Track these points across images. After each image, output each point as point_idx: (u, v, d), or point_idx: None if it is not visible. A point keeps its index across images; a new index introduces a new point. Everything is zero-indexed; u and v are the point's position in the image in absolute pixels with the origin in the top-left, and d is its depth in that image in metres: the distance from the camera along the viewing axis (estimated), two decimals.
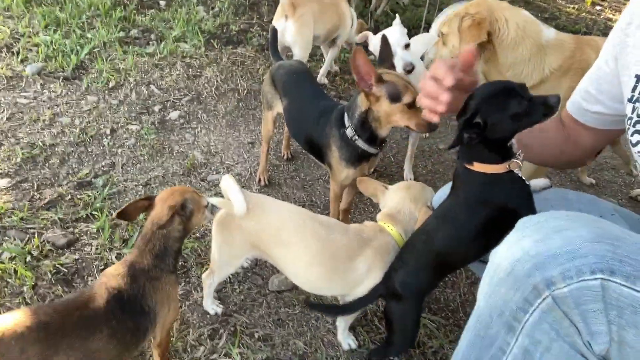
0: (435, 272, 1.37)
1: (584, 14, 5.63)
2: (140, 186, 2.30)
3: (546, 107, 1.10)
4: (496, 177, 1.19)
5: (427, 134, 2.88)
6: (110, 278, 1.25)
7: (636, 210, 2.69)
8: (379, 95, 1.64)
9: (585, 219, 0.90)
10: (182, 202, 1.32)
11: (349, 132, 1.76)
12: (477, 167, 1.20)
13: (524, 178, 1.20)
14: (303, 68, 2.23)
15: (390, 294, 1.42)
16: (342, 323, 1.66)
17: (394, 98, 1.62)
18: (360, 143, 1.76)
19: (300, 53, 2.88)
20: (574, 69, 1.94)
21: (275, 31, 2.44)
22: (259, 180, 2.41)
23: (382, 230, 1.53)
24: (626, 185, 2.93)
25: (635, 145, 1.11)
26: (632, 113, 1.11)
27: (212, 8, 4.18)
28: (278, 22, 2.83)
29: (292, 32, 2.79)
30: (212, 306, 1.72)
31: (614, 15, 5.70)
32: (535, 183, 1.34)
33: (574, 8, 5.86)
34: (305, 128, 1.98)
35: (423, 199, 1.57)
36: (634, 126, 1.11)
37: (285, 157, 2.65)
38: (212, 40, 3.65)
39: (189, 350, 1.59)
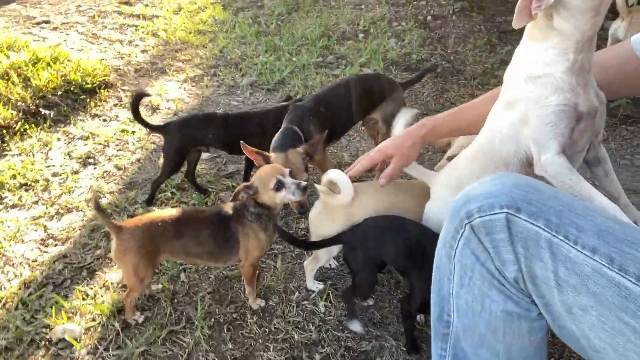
0: (409, 251, 1.61)
1: None
2: None
3: None
4: None
5: None
6: (223, 206, 1.83)
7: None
8: None
9: (523, 177, 1.02)
10: (250, 183, 1.72)
11: None
12: None
13: None
14: None
15: (351, 243, 1.71)
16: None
17: None
18: None
19: None
20: None
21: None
22: None
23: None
24: None
25: None
26: None
27: (403, 40, 4.64)
28: (615, 22, 3.57)
29: (623, 30, 3.46)
30: (315, 285, 2.04)
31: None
32: None
33: None
34: None
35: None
36: None
37: None
38: (391, 67, 4.10)
39: (288, 292, 2.00)
